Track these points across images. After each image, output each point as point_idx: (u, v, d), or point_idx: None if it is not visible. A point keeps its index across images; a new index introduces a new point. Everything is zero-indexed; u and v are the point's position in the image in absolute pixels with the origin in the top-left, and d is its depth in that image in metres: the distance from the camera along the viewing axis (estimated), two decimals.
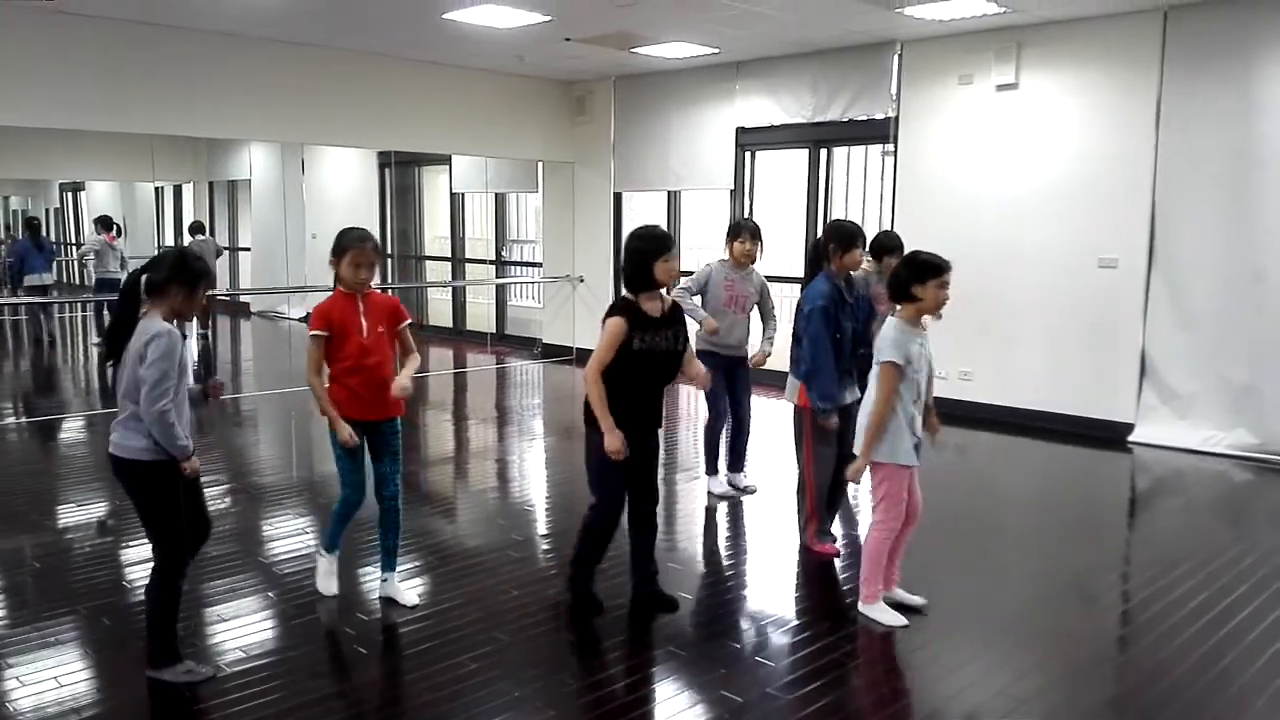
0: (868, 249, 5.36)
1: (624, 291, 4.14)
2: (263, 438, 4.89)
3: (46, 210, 15.96)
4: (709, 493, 6.08)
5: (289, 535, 5.25)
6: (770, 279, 6.23)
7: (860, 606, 4.23)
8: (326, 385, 4.13)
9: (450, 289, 13.84)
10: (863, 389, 4.45)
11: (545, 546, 5.16)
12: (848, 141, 9.55)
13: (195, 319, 11.49)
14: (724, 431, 6.12)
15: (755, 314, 6.12)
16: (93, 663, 3.85)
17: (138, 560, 4.72)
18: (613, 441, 3.97)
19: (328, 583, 4.43)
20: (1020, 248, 8.04)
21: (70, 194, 15.76)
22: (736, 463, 6.18)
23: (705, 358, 5.44)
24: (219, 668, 3.66)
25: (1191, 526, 5.86)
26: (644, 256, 4.04)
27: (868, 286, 5.24)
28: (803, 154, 9.59)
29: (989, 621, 4.25)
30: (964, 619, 4.27)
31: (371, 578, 4.61)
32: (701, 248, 11.29)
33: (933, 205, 8.53)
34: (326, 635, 4.00)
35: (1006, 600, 4.51)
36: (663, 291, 4.17)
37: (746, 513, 5.83)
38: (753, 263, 5.93)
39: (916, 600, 4.32)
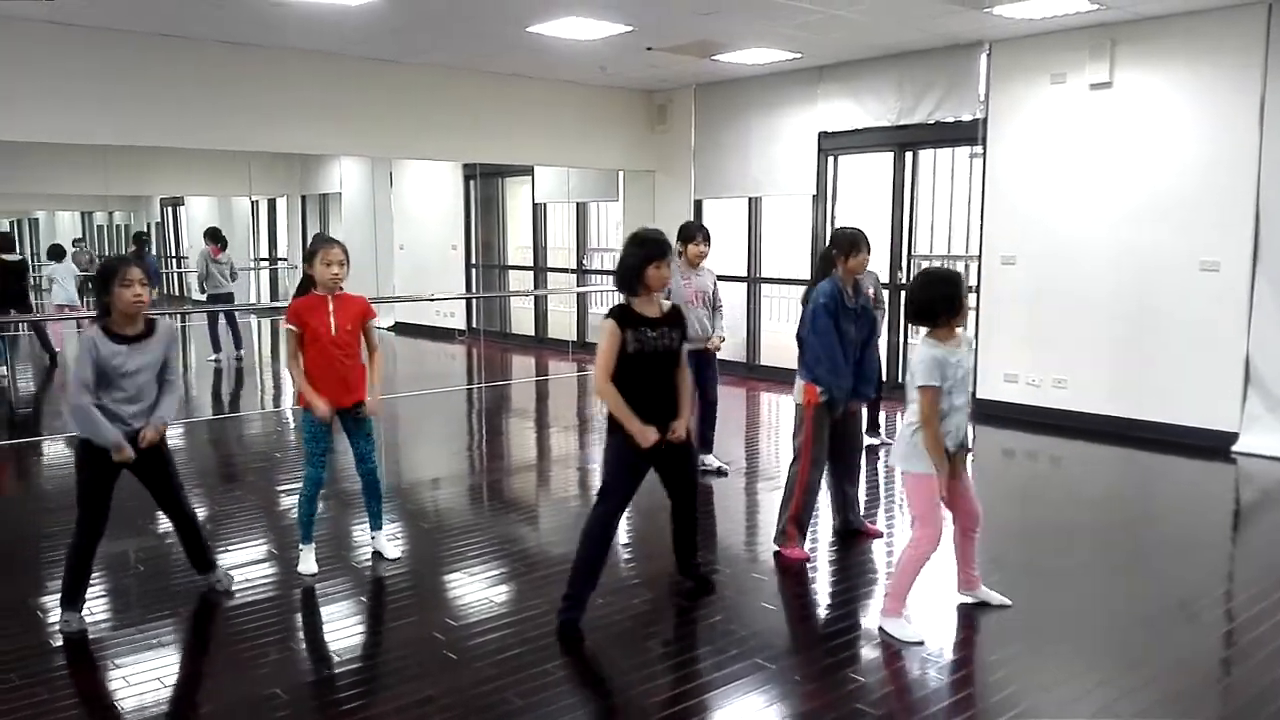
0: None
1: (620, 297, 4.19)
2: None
3: (148, 224, 16.63)
4: None
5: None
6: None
7: (880, 619, 4.12)
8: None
9: (532, 298, 13.99)
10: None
11: (626, 555, 5.16)
12: (934, 144, 9.38)
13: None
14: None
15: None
16: (193, 664, 3.98)
17: (236, 564, 4.86)
18: (644, 436, 3.99)
19: (309, 565, 4.82)
20: (1116, 251, 7.79)
21: (171, 208, 16.38)
22: (705, 447, 6.56)
23: None
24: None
25: None
26: (637, 261, 4.14)
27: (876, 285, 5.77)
28: (887, 157, 9.46)
29: (1089, 638, 4.11)
30: (1063, 635, 4.14)
31: (456, 584, 4.73)
32: (783, 255, 11.20)
33: (1023, 207, 8.33)
34: (416, 640, 4.06)
35: (1107, 616, 4.36)
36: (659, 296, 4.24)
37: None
38: (704, 260, 6.52)
39: (1002, 600, 4.33)
